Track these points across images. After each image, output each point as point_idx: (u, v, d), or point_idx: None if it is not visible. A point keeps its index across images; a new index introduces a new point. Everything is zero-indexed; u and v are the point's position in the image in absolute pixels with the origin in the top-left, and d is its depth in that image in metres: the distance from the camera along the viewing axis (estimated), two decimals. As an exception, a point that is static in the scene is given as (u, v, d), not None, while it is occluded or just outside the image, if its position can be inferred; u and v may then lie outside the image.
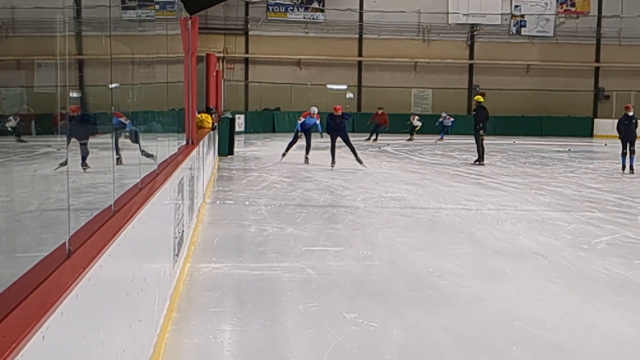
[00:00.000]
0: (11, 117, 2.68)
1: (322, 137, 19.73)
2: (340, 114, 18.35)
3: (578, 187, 14.64)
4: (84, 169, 3.45)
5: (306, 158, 18.89)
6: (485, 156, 19.91)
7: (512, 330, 5.37)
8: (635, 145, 17.93)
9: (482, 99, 20.86)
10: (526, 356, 4.85)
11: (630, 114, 18.14)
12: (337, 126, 18.25)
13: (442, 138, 30.77)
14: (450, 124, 31.01)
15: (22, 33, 2.96)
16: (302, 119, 19.32)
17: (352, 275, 6.98)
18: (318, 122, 19.32)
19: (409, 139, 30.47)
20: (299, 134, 19.40)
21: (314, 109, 19.44)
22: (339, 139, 18.25)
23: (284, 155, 19.24)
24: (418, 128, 31.06)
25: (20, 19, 2.95)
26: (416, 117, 31.66)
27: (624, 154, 18.02)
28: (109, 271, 3.06)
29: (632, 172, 17.58)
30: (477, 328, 5.44)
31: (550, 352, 4.92)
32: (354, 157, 17.92)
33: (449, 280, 6.82)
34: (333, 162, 18.16)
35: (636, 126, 18.19)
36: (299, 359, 4.66)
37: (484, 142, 19.92)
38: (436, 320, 5.56)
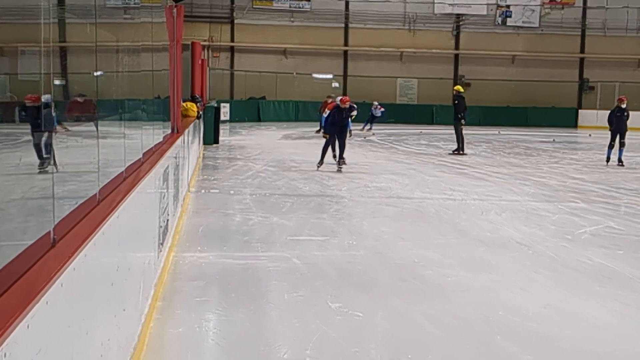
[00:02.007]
0: None
1: (320, 132, 17.32)
2: (348, 106, 15.19)
3: (562, 178, 14.72)
4: (41, 170, 3.01)
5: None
6: (465, 146, 19.97)
7: (496, 319, 5.40)
8: (626, 138, 17.69)
9: (462, 89, 20.98)
10: (510, 345, 4.88)
11: (623, 106, 17.86)
12: (342, 120, 15.16)
13: (369, 129, 29.04)
14: (380, 114, 29.24)
15: (6, 20, 2.92)
16: (328, 112, 16.23)
17: (337, 265, 6.99)
18: (354, 113, 15.80)
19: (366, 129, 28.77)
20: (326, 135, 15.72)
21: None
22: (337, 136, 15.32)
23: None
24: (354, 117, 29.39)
25: (3, 6, 2.91)
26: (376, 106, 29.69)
27: (611, 146, 17.71)
28: (94, 260, 3.04)
29: (622, 165, 17.36)
30: (461, 317, 5.46)
31: (533, 342, 4.95)
32: (337, 154, 15.18)
33: (434, 270, 6.84)
34: (321, 162, 15.23)
35: (627, 118, 17.92)
36: (283, 349, 4.66)
37: (463, 131, 20.01)
38: (421, 310, 5.58)
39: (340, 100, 15.43)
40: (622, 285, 6.46)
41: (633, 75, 38.10)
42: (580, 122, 37.44)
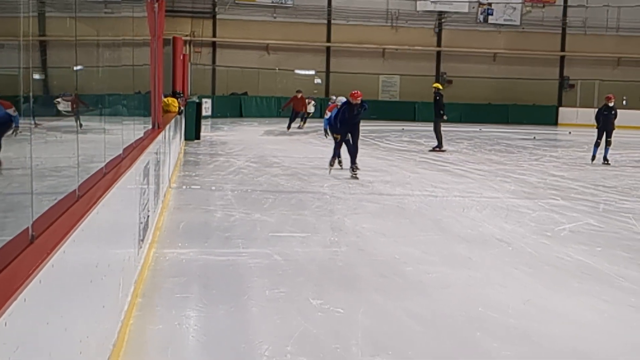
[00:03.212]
0: None
1: (326, 137, 15.39)
2: (360, 101, 13.46)
3: (542, 175, 14.81)
4: None
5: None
6: (443, 142, 20.08)
7: (476, 315, 5.43)
8: (612, 137, 17.61)
9: (440, 86, 21.14)
10: (489, 341, 4.90)
11: (611, 104, 17.72)
12: (354, 118, 13.48)
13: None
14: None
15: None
16: (329, 113, 14.81)
17: (318, 262, 6.99)
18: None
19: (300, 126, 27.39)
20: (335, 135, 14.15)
21: (342, 99, 14.59)
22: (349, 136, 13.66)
23: (331, 165, 14.13)
24: (310, 114, 28.40)
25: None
26: (312, 102, 28.62)
27: (597, 144, 17.59)
28: (73, 257, 3.02)
29: (607, 163, 17.27)
30: (442, 314, 5.49)
31: (513, 338, 4.98)
32: (339, 160, 14.11)
33: (415, 267, 6.86)
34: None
35: (615, 117, 17.78)
36: (264, 345, 4.65)
37: (442, 128, 20.13)
38: (401, 306, 5.60)
39: (351, 95, 13.52)
40: (600, 281, 6.51)
41: (612, 74, 38.37)
42: (560, 120, 37.70)
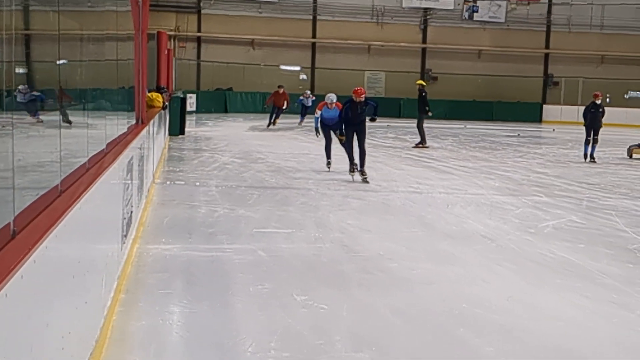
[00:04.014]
0: None
1: (317, 136, 14.14)
2: (363, 99, 12.50)
3: (526, 172, 14.88)
4: None
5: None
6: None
7: (459, 311, 5.44)
8: (599, 135, 17.65)
9: (425, 83, 21.31)
10: (473, 337, 4.92)
11: (598, 102, 17.75)
12: (358, 117, 12.46)
13: (300, 122, 27.32)
14: (310, 103, 26.98)
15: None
16: (319, 112, 13.69)
17: (302, 258, 6.99)
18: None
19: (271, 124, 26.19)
20: (325, 132, 13.71)
21: (332, 97, 13.62)
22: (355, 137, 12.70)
23: (329, 164, 13.75)
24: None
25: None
26: (311, 97, 27.96)
27: (587, 142, 17.63)
28: (55, 252, 3.00)
29: (594, 161, 17.31)
30: (425, 310, 5.50)
31: (496, 333, 5.00)
32: (354, 163, 12.70)
33: (399, 263, 6.87)
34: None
35: (603, 115, 17.84)
36: (248, 341, 4.65)
37: (425, 124, 20.30)
38: (386, 302, 5.60)
39: (354, 92, 12.51)
40: (583, 277, 6.56)
41: (596, 71, 38.61)
42: (544, 117, 37.91)
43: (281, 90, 25.93)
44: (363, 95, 12.50)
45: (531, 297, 5.93)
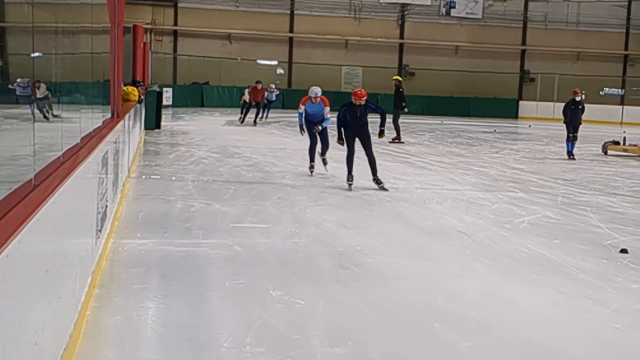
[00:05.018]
0: None
1: (302, 134, 13.01)
2: (364, 102, 11.33)
3: (502, 168, 14.98)
4: None
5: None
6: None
7: (435, 307, 5.46)
8: (579, 132, 17.62)
9: (401, 79, 21.45)
10: (449, 332, 4.94)
11: (578, 98, 17.62)
12: (358, 121, 11.40)
13: (265, 117, 26.41)
14: (274, 98, 26.71)
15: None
16: (302, 107, 12.65)
17: (279, 253, 6.98)
18: (328, 110, 12.56)
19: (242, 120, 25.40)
20: (309, 130, 12.73)
21: (317, 90, 12.55)
22: (357, 142, 11.66)
23: (311, 168, 12.77)
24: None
25: None
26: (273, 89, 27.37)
27: (568, 139, 17.61)
28: (28, 247, 2.96)
29: (573, 158, 17.29)
30: (401, 305, 5.52)
31: (472, 328, 5.03)
32: (351, 175, 11.52)
33: (376, 258, 6.88)
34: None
35: (582, 112, 17.77)
36: (223, 337, 4.63)
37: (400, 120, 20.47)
38: (361, 297, 5.61)
39: (354, 94, 11.39)
40: (557, 273, 6.60)
41: (572, 68, 38.99)
42: (520, 113, 38.23)
43: (259, 86, 25.31)
44: (364, 99, 11.27)
45: (506, 292, 5.97)
